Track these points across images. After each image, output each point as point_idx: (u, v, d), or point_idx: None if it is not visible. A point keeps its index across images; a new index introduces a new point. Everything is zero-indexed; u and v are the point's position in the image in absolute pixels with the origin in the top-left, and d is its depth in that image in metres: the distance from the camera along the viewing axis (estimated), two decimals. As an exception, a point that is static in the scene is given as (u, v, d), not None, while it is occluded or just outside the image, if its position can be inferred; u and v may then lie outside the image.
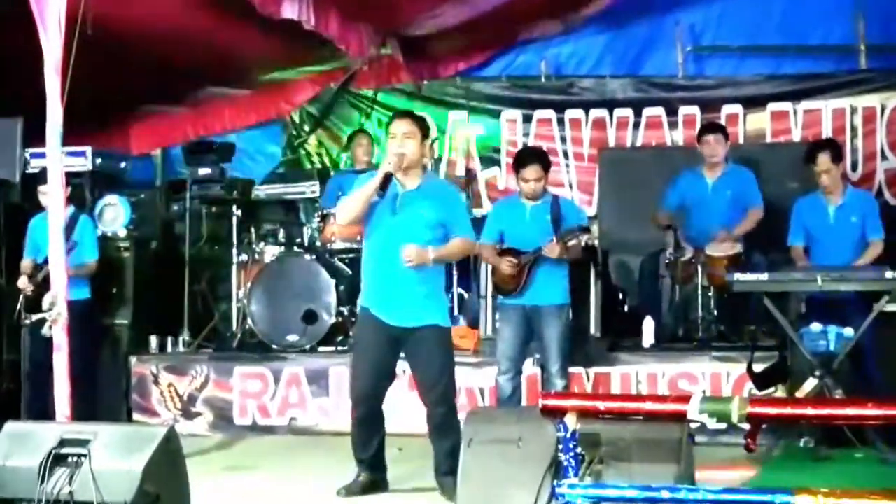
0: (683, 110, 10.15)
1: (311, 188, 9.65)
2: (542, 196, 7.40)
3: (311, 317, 8.76)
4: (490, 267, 7.92)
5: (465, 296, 9.15)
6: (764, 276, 7.10)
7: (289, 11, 8.11)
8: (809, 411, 4.36)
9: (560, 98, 10.44)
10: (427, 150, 6.23)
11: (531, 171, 7.31)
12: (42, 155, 7.37)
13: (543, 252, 7.20)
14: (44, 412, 6.82)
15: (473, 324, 8.77)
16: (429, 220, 6.10)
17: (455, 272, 9.08)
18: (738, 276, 7.17)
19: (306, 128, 11.06)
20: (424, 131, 6.22)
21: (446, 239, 6.19)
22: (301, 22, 8.26)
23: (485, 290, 8.56)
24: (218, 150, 9.86)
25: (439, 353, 6.14)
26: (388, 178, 6.02)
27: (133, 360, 8.92)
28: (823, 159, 7.66)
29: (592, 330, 8.47)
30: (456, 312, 9.00)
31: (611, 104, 10.31)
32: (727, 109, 9.97)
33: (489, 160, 10.53)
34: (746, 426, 4.59)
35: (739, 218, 8.50)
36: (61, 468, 4.73)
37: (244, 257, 9.39)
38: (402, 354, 6.29)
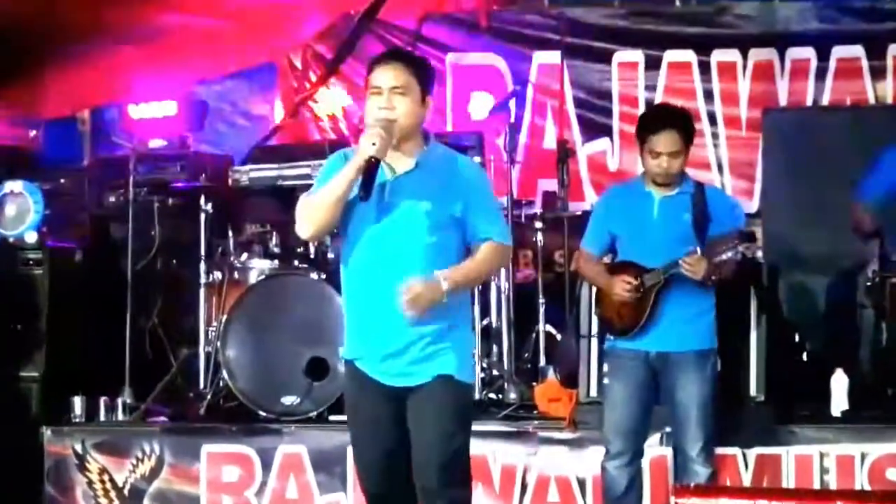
0: (894, 50, 10.40)
1: (318, 170, 9.32)
2: (679, 183, 7.33)
3: (318, 368, 8.71)
4: (595, 291, 7.88)
5: (557, 336, 9.28)
6: None
7: None
8: None
9: (704, 32, 10.70)
10: (429, 111, 6.02)
11: (665, 141, 7.19)
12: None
13: (681, 269, 7.13)
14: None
15: (569, 380, 8.65)
16: (433, 216, 5.93)
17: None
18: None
19: (313, 77, 11.26)
20: (425, 82, 5.98)
21: (463, 245, 6.04)
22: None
23: (586, 327, 8.57)
24: (178, 112, 9.87)
25: (442, 414, 5.99)
26: (372, 169, 5.80)
27: (47, 432, 8.86)
28: None
29: (753, 390, 8.55)
30: (542, 362, 9.16)
31: (782, 41, 10.52)
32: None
33: (597, 127, 10.73)
34: None
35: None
36: None
37: (217, 276, 9.39)
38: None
